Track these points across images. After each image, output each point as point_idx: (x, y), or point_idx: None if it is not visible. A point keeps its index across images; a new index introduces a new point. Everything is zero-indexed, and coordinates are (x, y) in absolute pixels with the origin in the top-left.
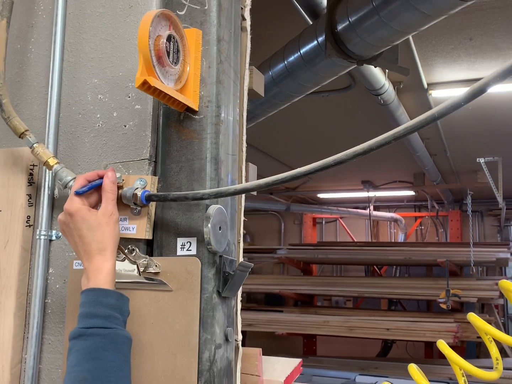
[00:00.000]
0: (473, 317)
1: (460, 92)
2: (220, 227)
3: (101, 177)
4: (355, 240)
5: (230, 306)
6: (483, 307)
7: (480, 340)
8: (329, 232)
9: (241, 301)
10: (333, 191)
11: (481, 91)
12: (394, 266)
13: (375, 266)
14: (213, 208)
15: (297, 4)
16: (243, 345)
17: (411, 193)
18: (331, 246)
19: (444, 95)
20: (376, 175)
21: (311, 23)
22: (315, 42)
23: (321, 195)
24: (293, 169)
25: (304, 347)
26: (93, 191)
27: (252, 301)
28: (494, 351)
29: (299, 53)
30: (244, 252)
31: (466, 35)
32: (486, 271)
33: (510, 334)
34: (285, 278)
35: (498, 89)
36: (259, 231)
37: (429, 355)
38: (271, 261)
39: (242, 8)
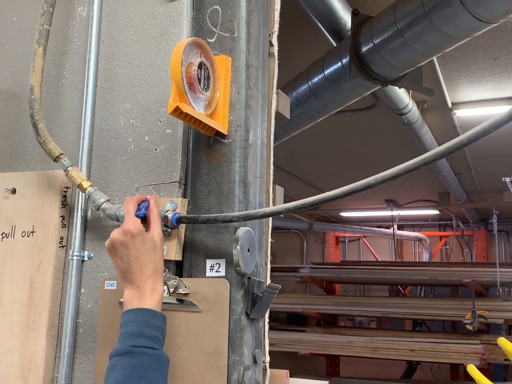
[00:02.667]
0: (503, 342)
1: (484, 111)
2: (248, 249)
3: (144, 201)
4: (379, 259)
5: (258, 328)
6: (510, 329)
7: (508, 362)
8: (352, 251)
9: (268, 323)
10: (356, 209)
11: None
12: (419, 286)
13: (399, 286)
14: (242, 231)
15: (321, 27)
16: None
17: (435, 212)
18: (354, 265)
19: (468, 115)
20: (400, 193)
21: (335, 45)
22: (339, 63)
23: (344, 214)
24: (316, 188)
25: (327, 367)
26: None
27: (274, 320)
28: None
29: (323, 74)
30: None
31: (491, 55)
32: None
33: None
34: (307, 297)
35: None
36: (281, 250)
37: (454, 377)
38: (293, 280)
39: (270, 34)
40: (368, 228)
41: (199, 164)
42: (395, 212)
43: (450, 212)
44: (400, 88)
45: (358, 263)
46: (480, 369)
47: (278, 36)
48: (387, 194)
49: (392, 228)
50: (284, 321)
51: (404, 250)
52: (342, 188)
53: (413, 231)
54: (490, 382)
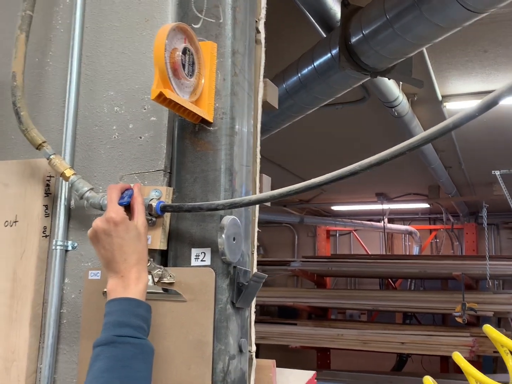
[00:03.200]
0: (488, 329)
1: (474, 104)
2: (234, 238)
3: (127, 189)
4: (369, 252)
5: (244, 317)
6: (500, 321)
7: (497, 354)
8: (343, 244)
9: (254, 313)
10: (347, 203)
11: (494, 102)
12: (409, 279)
13: (389, 279)
14: (227, 219)
15: (311, 17)
16: (256, 357)
17: (425, 205)
18: (345, 258)
19: (458, 107)
20: (390, 187)
21: (324, 36)
22: (329, 54)
23: (335, 208)
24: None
25: (318, 360)
26: None
27: (266, 314)
28: (510, 363)
29: (312, 65)
30: (257, 264)
31: (481, 47)
32: (503, 284)
33: None
34: (298, 290)
35: None
36: (272, 243)
37: (444, 369)
38: (284, 273)
39: (256, 21)
40: (359, 221)
41: (184, 152)
42: (386, 206)
43: (440, 205)
44: (389, 79)
45: (349, 256)
46: (470, 361)
47: (267, 28)
48: (377, 188)
49: (382, 221)
50: (275, 314)
51: (394, 244)
52: (328, 174)
53: (404, 225)
54: (476, 369)
